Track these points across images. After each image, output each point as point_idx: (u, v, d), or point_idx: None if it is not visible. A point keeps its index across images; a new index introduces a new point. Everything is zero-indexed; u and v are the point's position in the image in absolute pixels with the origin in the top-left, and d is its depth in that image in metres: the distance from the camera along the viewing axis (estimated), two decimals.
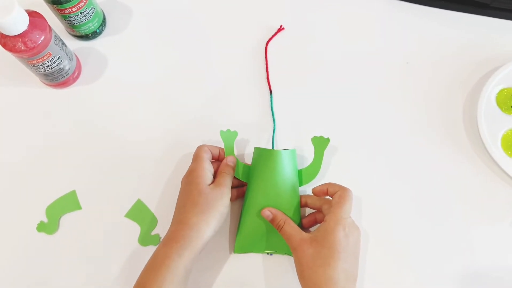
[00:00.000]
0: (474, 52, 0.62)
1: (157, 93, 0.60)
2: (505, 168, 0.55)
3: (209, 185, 0.49)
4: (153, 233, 0.53)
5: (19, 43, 0.49)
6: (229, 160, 0.52)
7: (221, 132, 0.53)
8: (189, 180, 0.49)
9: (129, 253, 0.53)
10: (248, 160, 0.56)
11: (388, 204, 0.55)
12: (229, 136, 0.53)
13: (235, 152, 0.53)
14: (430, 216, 0.55)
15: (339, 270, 0.43)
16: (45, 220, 0.54)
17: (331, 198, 0.49)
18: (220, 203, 0.47)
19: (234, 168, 0.52)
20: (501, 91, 0.59)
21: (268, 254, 0.53)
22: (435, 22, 0.64)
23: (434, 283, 0.52)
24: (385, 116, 0.59)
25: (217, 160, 0.53)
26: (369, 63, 0.62)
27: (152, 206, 0.55)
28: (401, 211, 0.55)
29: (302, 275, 0.45)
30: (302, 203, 0.52)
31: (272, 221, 0.50)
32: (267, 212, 0.50)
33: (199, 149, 0.52)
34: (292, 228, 0.48)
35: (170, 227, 0.48)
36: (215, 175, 0.51)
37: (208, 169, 0.50)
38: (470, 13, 0.64)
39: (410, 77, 0.61)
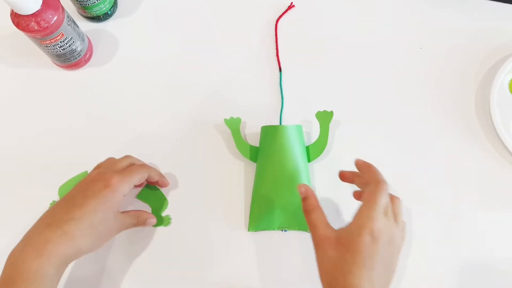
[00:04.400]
0: (487, 39, 0.62)
1: (168, 74, 0.60)
2: None
3: (116, 213, 0.47)
4: (164, 214, 0.54)
5: (32, 23, 0.49)
6: (150, 222, 0.51)
7: (225, 121, 0.55)
8: (100, 200, 0.45)
9: (139, 234, 0.53)
10: (257, 139, 0.56)
11: (397, 189, 0.55)
12: (233, 123, 0.56)
13: (242, 134, 0.55)
14: (439, 202, 0.55)
15: (362, 278, 0.38)
16: (58, 199, 0.54)
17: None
18: (113, 233, 0.47)
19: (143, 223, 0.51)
20: None
21: (282, 230, 0.53)
22: (449, 7, 0.63)
23: (442, 267, 0.52)
24: (396, 101, 0.59)
25: (155, 183, 0.53)
26: (381, 45, 0.61)
27: (163, 188, 0.55)
28: (410, 196, 0.54)
29: (321, 277, 0.42)
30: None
31: (304, 200, 0.45)
32: (302, 189, 0.45)
33: (132, 172, 0.48)
34: (318, 218, 0.43)
35: (38, 226, 0.45)
36: None
37: (121, 201, 0.47)
38: None
39: (422, 63, 0.61)
